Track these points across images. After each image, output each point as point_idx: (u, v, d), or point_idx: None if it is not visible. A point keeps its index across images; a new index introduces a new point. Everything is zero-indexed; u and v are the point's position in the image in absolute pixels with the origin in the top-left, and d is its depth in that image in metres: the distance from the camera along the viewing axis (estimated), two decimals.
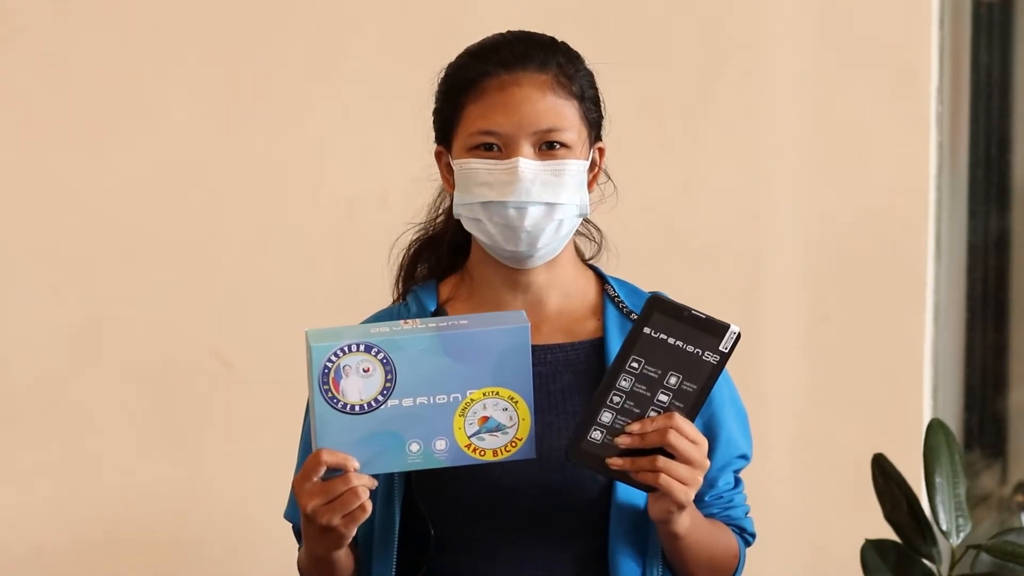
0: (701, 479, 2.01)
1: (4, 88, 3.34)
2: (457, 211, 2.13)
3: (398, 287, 2.28)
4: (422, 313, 2.18)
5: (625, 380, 1.98)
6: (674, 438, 1.98)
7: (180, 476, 3.36)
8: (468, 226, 2.13)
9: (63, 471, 3.35)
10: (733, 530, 2.20)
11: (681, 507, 2.01)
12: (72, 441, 3.35)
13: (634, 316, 2.14)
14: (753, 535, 2.23)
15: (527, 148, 2.09)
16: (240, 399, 3.36)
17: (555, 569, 2.12)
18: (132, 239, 3.36)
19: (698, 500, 2.16)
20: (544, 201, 2.09)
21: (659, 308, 1.97)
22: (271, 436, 3.30)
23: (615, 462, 1.99)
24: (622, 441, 1.99)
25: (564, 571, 2.12)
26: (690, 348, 1.97)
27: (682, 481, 1.99)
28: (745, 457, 2.21)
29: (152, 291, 3.36)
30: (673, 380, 1.98)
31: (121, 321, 3.35)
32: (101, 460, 3.35)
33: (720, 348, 1.97)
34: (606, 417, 1.99)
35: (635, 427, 1.98)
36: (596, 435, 1.99)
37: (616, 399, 1.99)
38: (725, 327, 1.97)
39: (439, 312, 2.18)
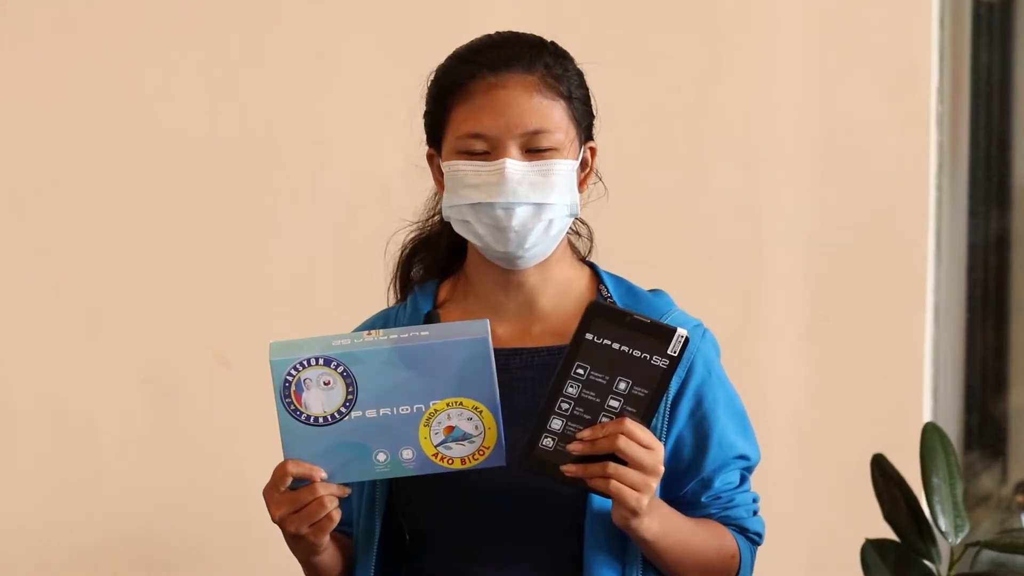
0: (655, 485, 2.00)
1: (4, 88, 3.34)
2: (446, 213, 2.13)
3: (394, 287, 2.28)
4: (416, 315, 2.19)
5: (572, 387, 1.97)
6: (624, 444, 1.97)
7: (180, 476, 3.36)
8: (457, 228, 2.13)
9: (63, 471, 3.35)
10: (733, 530, 2.18)
11: (635, 513, 2.00)
12: (72, 441, 3.35)
13: (616, 307, 2.13)
14: (759, 534, 2.21)
15: (514, 150, 2.08)
16: (240, 399, 3.36)
17: (531, 573, 2.11)
18: (132, 239, 3.36)
19: (694, 502, 2.15)
20: (532, 201, 2.08)
21: (600, 314, 1.96)
22: (271, 436, 3.30)
23: (569, 469, 1.99)
24: (573, 448, 1.98)
25: (540, 574, 2.12)
26: (637, 353, 1.96)
27: (634, 487, 1.98)
28: (746, 457, 2.19)
29: (152, 291, 3.36)
30: (623, 385, 1.97)
31: (121, 321, 3.36)
32: (101, 460, 3.35)
33: (668, 352, 1.96)
34: (556, 424, 1.99)
35: (586, 433, 1.98)
36: (548, 442, 1.99)
37: (565, 406, 1.98)
38: (671, 331, 1.96)
39: (432, 315, 2.18)
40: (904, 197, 3.41)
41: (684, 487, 2.15)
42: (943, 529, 2.81)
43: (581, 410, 1.98)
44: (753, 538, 2.21)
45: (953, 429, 3.58)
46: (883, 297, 3.41)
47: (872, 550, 2.86)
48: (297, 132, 3.38)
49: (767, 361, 3.40)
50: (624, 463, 1.98)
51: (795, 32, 3.39)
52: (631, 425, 1.97)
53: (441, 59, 2.19)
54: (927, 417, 3.45)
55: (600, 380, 1.97)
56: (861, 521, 3.04)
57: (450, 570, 2.13)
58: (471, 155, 2.09)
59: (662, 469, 2.00)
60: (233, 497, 3.36)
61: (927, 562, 2.84)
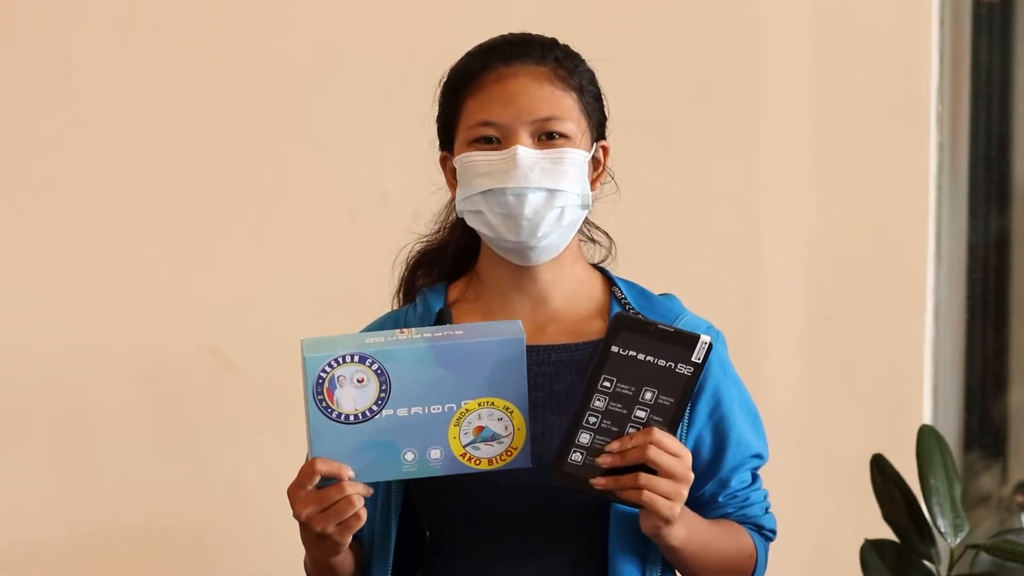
0: (686, 492, 2.00)
1: (4, 88, 3.34)
2: (459, 207, 2.14)
3: (398, 299, 2.28)
4: (427, 313, 2.18)
5: (599, 400, 1.98)
6: (654, 453, 1.97)
7: (180, 476, 3.36)
8: (470, 220, 2.13)
9: (63, 471, 3.35)
10: (749, 528, 2.19)
11: (668, 522, 2.01)
12: (72, 441, 3.35)
13: (641, 318, 2.14)
14: (773, 531, 2.22)
15: (526, 138, 2.09)
16: (240, 399, 3.36)
17: (553, 573, 2.12)
18: (132, 239, 3.36)
19: (711, 502, 2.16)
20: (544, 187, 2.09)
21: (624, 326, 1.97)
22: (271, 436, 3.31)
23: (598, 482, 1.99)
24: (603, 461, 1.99)
25: (561, 574, 2.12)
26: (662, 362, 1.97)
27: (666, 496, 1.99)
28: (760, 456, 2.20)
29: (152, 291, 3.36)
30: (648, 395, 1.98)
31: (121, 321, 3.36)
32: (101, 460, 3.35)
33: (692, 359, 1.97)
34: (584, 438, 1.99)
35: (614, 446, 1.98)
36: (576, 457, 1.99)
37: (592, 419, 1.98)
38: (695, 338, 1.97)
39: (444, 312, 2.18)
40: (904, 197, 3.41)
41: (702, 488, 2.15)
42: (942, 530, 2.81)
43: (608, 423, 1.98)
44: (768, 535, 2.22)
45: (953, 429, 3.58)
46: (883, 297, 3.41)
47: (872, 550, 2.86)
48: (297, 132, 3.37)
49: (767, 361, 3.40)
50: (654, 472, 1.98)
51: (795, 32, 3.39)
52: (659, 434, 1.98)
53: (442, 59, 2.19)
54: (927, 417, 3.44)
55: (626, 392, 1.98)
56: (861, 521, 3.04)
57: (469, 570, 2.13)
58: (483, 145, 2.10)
59: (692, 476, 2.01)
60: (233, 497, 3.36)
61: (927, 562, 2.84)
